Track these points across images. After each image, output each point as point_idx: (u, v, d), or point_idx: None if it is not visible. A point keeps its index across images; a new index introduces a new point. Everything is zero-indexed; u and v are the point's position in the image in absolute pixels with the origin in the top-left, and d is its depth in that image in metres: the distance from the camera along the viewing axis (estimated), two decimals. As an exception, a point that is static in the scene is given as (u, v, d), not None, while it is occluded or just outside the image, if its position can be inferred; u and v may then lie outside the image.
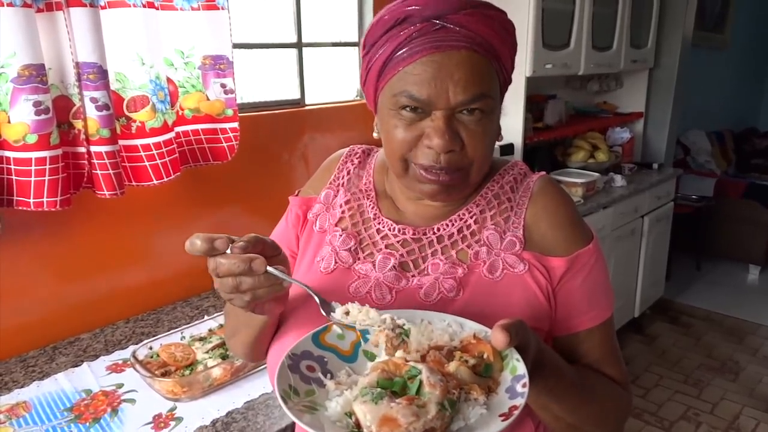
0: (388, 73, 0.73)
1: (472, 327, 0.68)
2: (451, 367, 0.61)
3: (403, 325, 0.66)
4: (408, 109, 0.72)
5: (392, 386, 0.59)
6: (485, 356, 0.62)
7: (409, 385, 0.59)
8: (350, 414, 0.58)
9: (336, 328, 0.70)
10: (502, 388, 0.60)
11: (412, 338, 0.66)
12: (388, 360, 0.63)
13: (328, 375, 0.65)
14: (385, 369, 0.61)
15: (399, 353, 0.65)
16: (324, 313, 0.68)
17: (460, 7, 0.70)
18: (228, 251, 0.62)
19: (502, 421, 0.55)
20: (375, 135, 0.81)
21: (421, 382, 0.58)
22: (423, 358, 0.64)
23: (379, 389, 0.58)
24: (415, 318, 0.70)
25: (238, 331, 0.83)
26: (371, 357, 0.68)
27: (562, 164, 3.24)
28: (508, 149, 2.67)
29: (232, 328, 0.86)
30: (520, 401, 0.57)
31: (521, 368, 0.60)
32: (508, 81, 0.79)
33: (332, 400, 0.60)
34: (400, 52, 0.71)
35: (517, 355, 0.61)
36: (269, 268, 0.62)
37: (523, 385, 0.58)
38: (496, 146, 0.82)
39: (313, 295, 0.68)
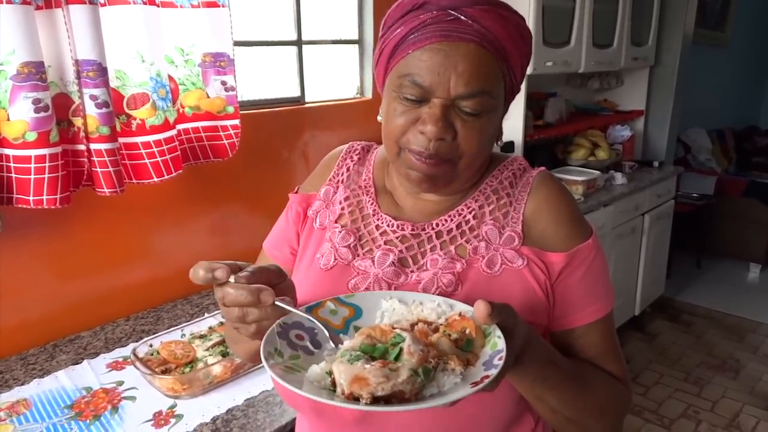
0: (398, 55, 0.74)
1: (460, 307, 0.69)
2: (433, 338, 0.63)
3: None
4: (409, 96, 0.72)
5: (373, 351, 0.61)
6: (467, 332, 0.64)
7: (390, 351, 0.61)
8: (330, 373, 0.60)
9: (329, 304, 0.71)
10: (480, 362, 0.62)
11: (402, 318, 0.68)
12: (376, 326, 0.65)
13: (316, 345, 0.66)
14: (370, 335, 0.63)
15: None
16: (332, 345, 0.66)
17: (476, 2, 0.70)
18: (232, 280, 0.61)
19: (471, 387, 0.56)
20: (379, 118, 0.81)
21: (401, 349, 0.60)
22: (412, 328, 0.66)
23: (357, 352, 0.60)
24: (407, 298, 0.71)
25: (238, 340, 0.84)
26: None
27: (562, 162, 3.24)
28: (508, 147, 2.67)
29: (233, 337, 0.87)
30: (492, 372, 0.58)
31: (501, 344, 0.61)
32: (516, 88, 0.78)
33: (316, 364, 0.62)
34: (411, 36, 0.72)
35: (499, 333, 0.62)
36: (277, 301, 0.62)
37: (499, 359, 0.59)
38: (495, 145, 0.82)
39: (323, 329, 0.67)
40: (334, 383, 0.59)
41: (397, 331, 0.63)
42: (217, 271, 0.61)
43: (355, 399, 0.56)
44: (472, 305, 0.70)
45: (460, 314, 0.66)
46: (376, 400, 0.55)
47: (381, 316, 0.70)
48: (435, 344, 0.62)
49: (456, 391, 0.57)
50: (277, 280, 0.66)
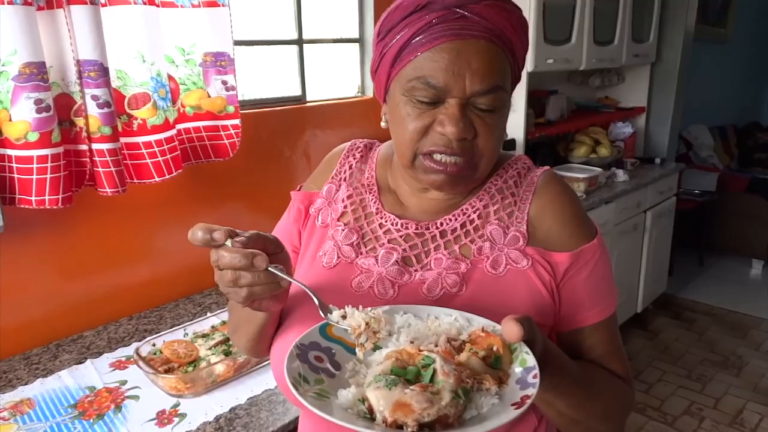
0: (404, 59, 0.73)
1: (479, 322, 0.68)
2: (462, 357, 0.62)
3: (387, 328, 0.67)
4: (423, 99, 0.71)
5: (406, 374, 0.60)
6: (495, 348, 0.63)
7: (422, 373, 0.59)
8: (363, 400, 0.58)
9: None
10: (513, 380, 0.61)
11: (419, 334, 0.67)
12: (402, 349, 0.63)
13: (336, 366, 0.66)
14: (398, 358, 0.62)
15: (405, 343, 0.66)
16: (322, 315, 0.68)
17: None
18: (229, 244, 0.62)
19: (515, 410, 0.55)
20: (383, 125, 0.80)
21: (434, 370, 0.58)
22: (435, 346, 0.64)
23: (392, 376, 0.59)
24: (421, 313, 0.70)
25: (239, 326, 0.83)
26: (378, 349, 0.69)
27: (564, 159, 3.23)
28: (509, 145, 2.66)
29: (234, 324, 0.86)
30: (531, 391, 0.57)
31: (531, 360, 0.60)
32: (518, 78, 0.79)
33: (343, 389, 0.61)
34: (418, 38, 0.71)
35: (527, 349, 0.61)
36: (270, 267, 0.62)
37: (534, 376, 0.58)
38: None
39: (312, 296, 0.68)
40: (370, 409, 0.57)
41: (425, 353, 0.61)
42: (216, 232, 0.61)
43: (398, 427, 0.54)
44: (478, 306, 0.70)
45: (483, 329, 0.65)
46: (420, 427, 0.54)
47: (397, 332, 0.68)
48: (466, 363, 0.61)
49: (498, 414, 0.56)
50: (274, 250, 0.66)
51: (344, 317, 0.67)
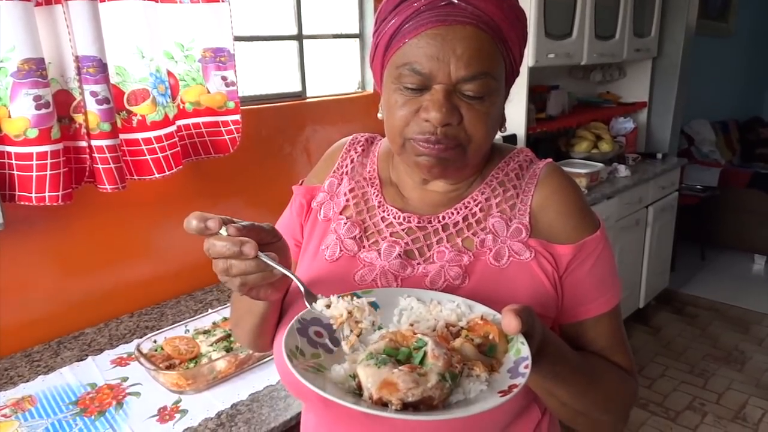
0: (394, 46, 0.73)
1: (480, 309, 0.68)
2: (456, 343, 0.62)
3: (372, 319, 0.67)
4: (410, 86, 0.71)
5: (397, 355, 0.60)
6: (491, 337, 0.63)
7: (414, 355, 0.60)
8: (354, 376, 0.59)
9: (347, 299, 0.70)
10: (504, 369, 0.61)
11: (420, 317, 0.67)
12: (397, 330, 0.64)
13: (335, 342, 0.67)
14: (393, 339, 0.62)
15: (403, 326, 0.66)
16: (307, 304, 0.68)
17: None
18: (223, 233, 0.62)
19: (500, 397, 0.56)
20: (379, 116, 0.80)
21: (425, 352, 0.59)
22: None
23: (383, 355, 0.60)
24: (425, 297, 0.71)
25: (241, 318, 0.83)
26: (379, 329, 0.69)
27: (565, 155, 3.23)
28: (510, 140, 2.65)
29: (236, 317, 0.86)
30: (520, 381, 0.57)
31: (525, 351, 0.61)
32: (516, 70, 0.78)
33: (338, 364, 0.62)
34: (406, 25, 0.71)
35: (522, 339, 0.61)
36: (260, 254, 0.62)
37: (525, 367, 0.59)
38: (499, 136, 0.81)
39: (299, 284, 0.68)
40: (359, 386, 0.58)
41: (419, 336, 0.62)
42: (210, 221, 0.62)
43: (383, 404, 0.55)
44: (481, 298, 0.70)
45: (482, 317, 0.65)
46: (404, 406, 0.55)
47: (399, 314, 0.69)
48: (459, 349, 0.61)
49: (484, 400, 0.56)
50: (270, 239, 0.66)
51: (328, 306, 0.67)
